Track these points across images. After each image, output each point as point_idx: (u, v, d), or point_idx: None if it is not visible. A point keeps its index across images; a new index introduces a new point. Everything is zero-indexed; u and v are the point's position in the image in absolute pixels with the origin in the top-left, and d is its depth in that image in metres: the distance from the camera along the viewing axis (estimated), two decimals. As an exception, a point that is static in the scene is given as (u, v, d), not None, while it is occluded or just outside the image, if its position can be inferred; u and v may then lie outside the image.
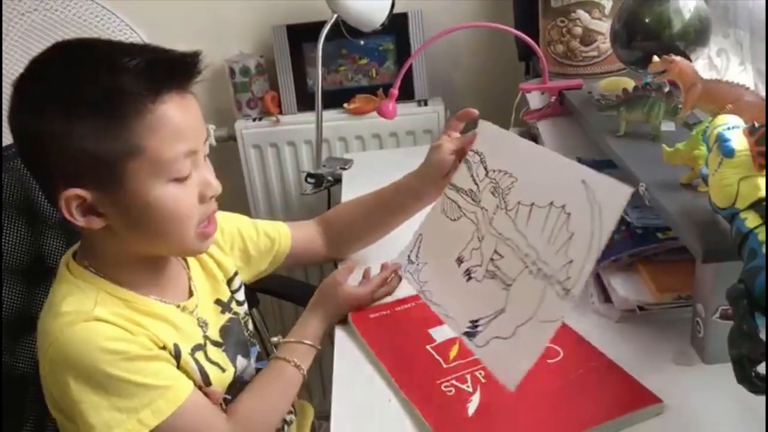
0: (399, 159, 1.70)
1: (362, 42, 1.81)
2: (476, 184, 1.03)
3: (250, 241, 1.13)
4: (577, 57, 1.43)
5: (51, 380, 0.87)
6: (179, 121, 0.84)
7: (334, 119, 1.81)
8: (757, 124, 0.77)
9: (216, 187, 0.90)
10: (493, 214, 0.98)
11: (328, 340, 1.08)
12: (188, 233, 0.88)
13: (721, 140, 0.80)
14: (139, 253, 0.91)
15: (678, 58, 1.05)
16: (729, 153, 0.78)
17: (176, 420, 0.85)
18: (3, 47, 1.52)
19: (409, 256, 1.08)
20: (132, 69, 0.81)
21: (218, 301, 1.03)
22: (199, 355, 0.94)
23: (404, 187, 1.15)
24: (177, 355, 0.90)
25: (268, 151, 1.86)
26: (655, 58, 1.08)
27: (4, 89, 1.51)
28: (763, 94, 1.10)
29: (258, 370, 1.07)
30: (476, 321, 0.88)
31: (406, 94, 1.77)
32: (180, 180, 0.85)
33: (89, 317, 0.84)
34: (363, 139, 1.83)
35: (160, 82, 0.82)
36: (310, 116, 1.74)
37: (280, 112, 1.86)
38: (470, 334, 0.87)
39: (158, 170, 0.83)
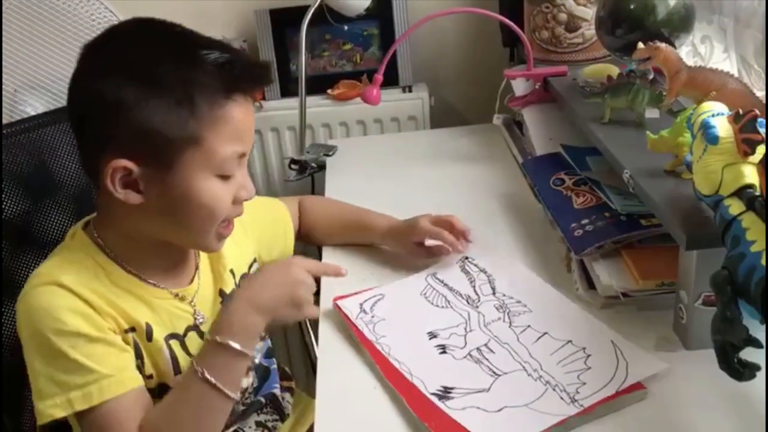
0: (383, 145, 1.70)
1: (346, 27, 1.79)
2: (477, 294, 1.05)
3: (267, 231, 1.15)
4: (562, 44, 1.43)
5: (19, 331, 0.87)
6: (241, 123, 0.86)
7: (317, 105, 1.79)
8: (741, 111, 0.78)
9: (251, 191, 0.92)
10: (492, 321, 0.99)
11: (312, 325, 1.07)
12: (211, 229, 0.90)
13: (706, 127, 0.80)
14: (156, 237, 0.91)
15: (662, 45, 1.05)
16: (713, 140, 0.78)
17: (102, 413, 0.83)
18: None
19: (362, 305, 1.04)
20: (211, 62, 0.84)
21: (221, 292, 1.01)
22: (174, 343, 0.93)
23: (377, 232, 1.17)
24: (149, 334, 0.90)
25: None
26: (640, 45, 1.08)
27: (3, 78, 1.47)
28: (746, 80, 1.10)
29: (264, 367, 1.06)
30: (450, 388, 0.87)
31: (391, 80, 1.75)
32: (224, 177, 0.87)
33: (52, 281, 0.85)
34: (347, 125, 1.82)
35: (235, 81, 0.86)
36: (293, 102, 1.73)
37: (263, 98, 1.84)
38: (442, 397, 0.85)
39: (209, 164, 0.85)
